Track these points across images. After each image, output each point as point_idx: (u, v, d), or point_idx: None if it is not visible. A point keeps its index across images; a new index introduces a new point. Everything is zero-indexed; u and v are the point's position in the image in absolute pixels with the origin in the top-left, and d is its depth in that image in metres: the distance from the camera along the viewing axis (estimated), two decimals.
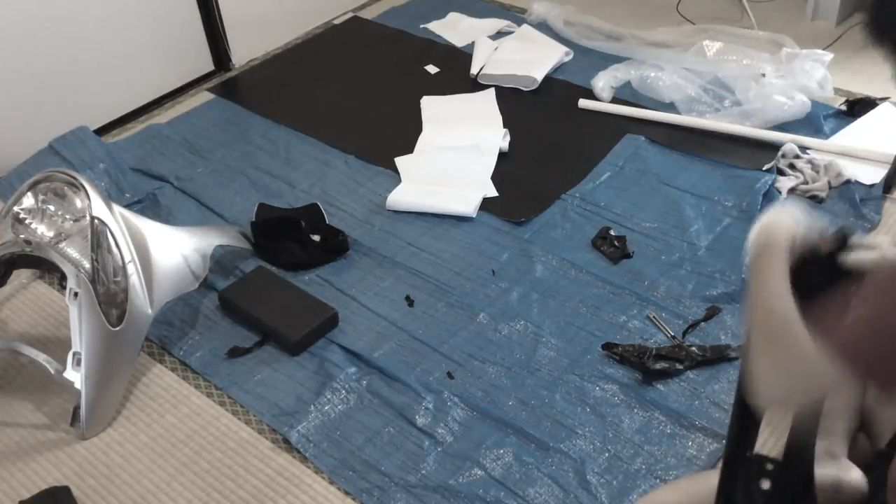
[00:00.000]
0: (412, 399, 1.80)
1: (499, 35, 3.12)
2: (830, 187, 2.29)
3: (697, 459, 1.65)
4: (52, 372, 1.73)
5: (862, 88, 2.65)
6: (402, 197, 2.34)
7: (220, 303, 2.04)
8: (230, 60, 3.00)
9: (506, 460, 1.67)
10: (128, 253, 1.84)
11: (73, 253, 1.78)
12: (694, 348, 1.84)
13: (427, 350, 1.91)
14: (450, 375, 1.85)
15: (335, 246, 2.17)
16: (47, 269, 2.03)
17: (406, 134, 2.60)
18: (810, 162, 2.36)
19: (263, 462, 1.70)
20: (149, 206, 2.35)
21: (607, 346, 1.87)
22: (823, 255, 1.10)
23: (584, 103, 2.70)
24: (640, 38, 2.98)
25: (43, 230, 1.82)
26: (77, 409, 1.74)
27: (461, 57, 2.98)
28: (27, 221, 1.83)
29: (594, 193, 2.33)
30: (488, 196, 2.34)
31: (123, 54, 2.70)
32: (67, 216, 1.83)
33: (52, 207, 1.84)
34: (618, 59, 2.88)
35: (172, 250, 1.96)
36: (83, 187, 1.84)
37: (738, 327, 1.90)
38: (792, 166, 2.36)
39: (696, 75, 2.73)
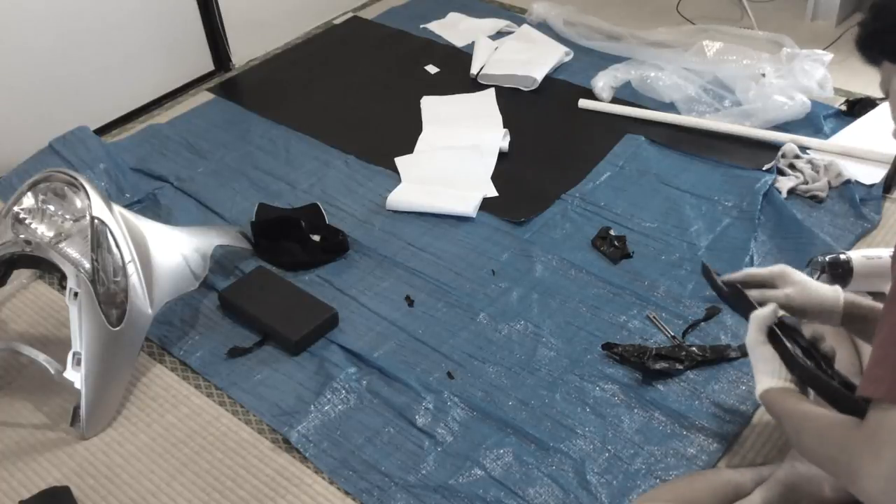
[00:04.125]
0: (412, 399, 1.80)
1: (499, 35, 3.12)
2: (830, 187, 2.29)
3: (697, 459, 1.65)
4: (52, 372, 1.73)
5: (862, 88, 2.65)
6: (402, 197, 2.34)
7: (220, 303, 2.04)
8: (230, 60, 3.00)
9: (506, 460, 1.67)
10: (128, 253, 1.84)
11: (73, 253, 1.78)
12: (694, 348, 1.84)
13: (427, 350, 1.91)
14: (450, 375, 1.85)
15: (335, 246, 2.17)
16: (47, 269, 2.03)
17: (406, 134, 2.60)
18: (810, 162, 2.36)
19: (263, 462, 1.70)
20: (149, 206, 2.35)
21: (607, 346, 1.87)
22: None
23: (584, 103, 2.70)
24: (640, 38, 2.99)
25: (43, 230, 1.82)
26: (77, 409, 1.74)
27: (461, 57, 2.98)
28: (27, 221, 1.83)
29: (594, 193, 2.33)
30: (488, 196, 2.34)
31: (123, 54, 2.70)
32: (67, 216, 1.83)
33: (52, 207, 1.84)
34: (618, 59, 2.88)
35: (172, 250, 1.96)
36: (83, 187, 1.83)
37: (740, 329, 1.89)
38: (792, 166, 2.36)
39: (696, 75, 2.73)
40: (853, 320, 1.40)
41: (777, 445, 1.66)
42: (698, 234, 2.17)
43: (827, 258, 1.59)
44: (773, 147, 2.42)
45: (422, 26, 3.20)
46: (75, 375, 1.72)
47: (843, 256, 1.60)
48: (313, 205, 2.29)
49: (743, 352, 1.80)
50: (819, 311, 1.41)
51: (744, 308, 1.42)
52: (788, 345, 1.30)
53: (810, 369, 1.27)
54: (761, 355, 1.33)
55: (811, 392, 1.29)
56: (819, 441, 1.12)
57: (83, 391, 1.73)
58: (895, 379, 0.97)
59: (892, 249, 1.40)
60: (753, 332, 1.35)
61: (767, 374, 1.31)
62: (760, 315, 1.36)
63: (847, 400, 1.20)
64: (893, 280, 1.03)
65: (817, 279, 1.55)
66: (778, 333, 1.33)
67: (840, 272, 1.58)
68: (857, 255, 1.61)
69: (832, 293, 1.41)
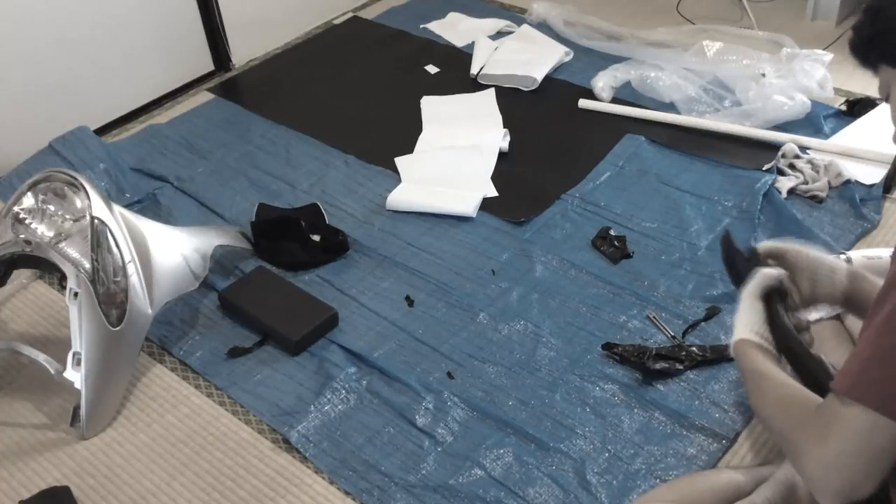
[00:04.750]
0: (412, 399, 1.80)
1: (499, 35, 3.12)
2: (830, 187, 2.29)
3: (697, 459, 1.65)
4: (52, 372, 1.73)
5: (862, 88, 2.65)
6: (402, 197, 2.34)
7: (220, 303, 2.04)
8: (230, 60, 3.00)
9: (506, 460, 1.67)
10: (128, 253, 1.84)
11: (73, 253, 1.78)
12: (694, 348, 1.84)
13: (427, 350, 1.91)
14: (450, 375, 1.85)
15: (335, 246, 2.17)
16: (47, 269, 2.03)
17: (406, 134, 2.60)
18: (810, 162, 2.36)
19: (263, 462, 1.70)
20: (149, 206, 2.35)
21: (607, 346, 1.87)
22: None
23: (584, 103, 2.70)
24: (640, 38, 2.98)
25: (43, 230, 1.82)
26: (77, 409, 1.74)
27: (461, 57, 2.98)
28: (27, 221, 1.83)
29: (594, 193, 2.33)
30: (488, 196, 2.34)
31: (123, 54, 2.70)
32: (67, 216, 1.83)
33: (52, 207, 1.84)
34: (618, 59, 2.88)
35: (172, 250, 1.96)
36: (83, 187, 1.83)
37: None
38: (792, 166, 2.36)
39: (696, 75, 2.73)
40: (854, 300, 1.38)
41: (777, 446, 1.65)
42: (698, 234, 2.17)
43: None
44: (773, 147, 2.42)
45: (422, 26, 3.20)
46: (75, 375, 1.72)
47: (843, 256, 1.60)
48: (313, 205, 2.29)
49: None
50: (826, 272, 1.38)
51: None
52: (780, 309, 1.30)
53: (791, 334, 1.27)
54: (751, 308, 1.32)
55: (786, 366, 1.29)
56: (777, 410, 1.13)
57: (83, 391, 1.73)
58: (861, 376, 0.99)
59: (892, 249, 1.40)
60: (754, 286, 1.33)
61: (748, 326, 1.30)
62: (769, 273, 1.34)
63: (815, 372, 1.22)
64: (888, 279, 1.04)
65: None
66: (773, 297, 1.32)
67: None
68: (857, 255, 1.61)
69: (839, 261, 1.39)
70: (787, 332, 1.29)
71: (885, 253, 1.64)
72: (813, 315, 1.54)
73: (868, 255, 1.63)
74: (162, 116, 2.78)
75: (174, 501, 1.64)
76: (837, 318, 1.54)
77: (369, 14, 3.33)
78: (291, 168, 2.50)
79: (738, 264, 1.43)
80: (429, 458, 1.68)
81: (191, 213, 2.33)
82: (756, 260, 1.40)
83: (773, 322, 1.30)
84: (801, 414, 1.07)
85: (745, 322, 1.31)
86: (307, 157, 2.54)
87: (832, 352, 1.49)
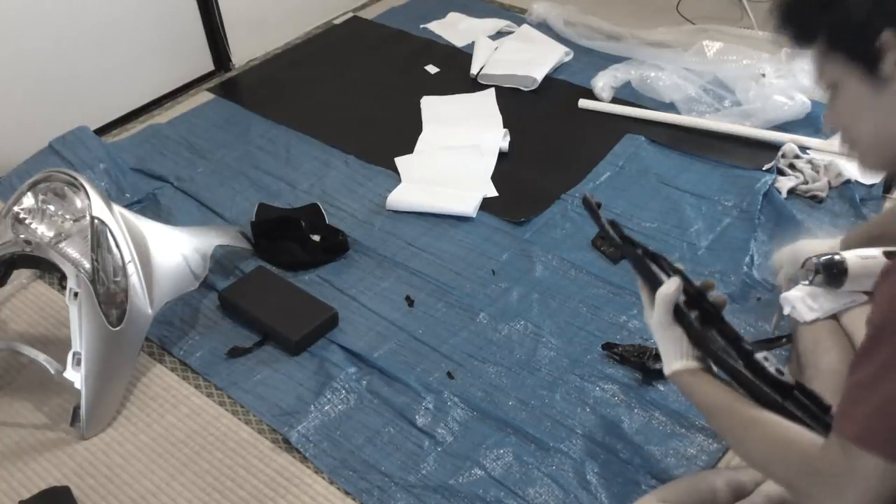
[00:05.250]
0: (412, 399, 1.80)
1: (499, 35, 3.12)
2: (830, 187, 2.29)
3: (697, 459, 1.65)
4: (52, 372, 1.73)
5: None
6: (402, 197, 2.34)
7: (220, 303, 2.05)
8: (230, 60, 3.01)
9: (506, 460, 1.67)
10: (128, 253, 1.84)
11: (73, 253, 1.78)
12: None
13: (427, 350, 1.91)
14: (450, 375, 1.85)
15: (335, 246, 2.17)
16: (47, 269, 2.03)
17: (406, 134, 2.60)
18: (810, 162, 2.36)
19: (263, 462, 1.70)
20: (149, 206, 2.35)
21: (607, 346, 1.87)
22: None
23: (584, 103, 2.70)
24: (640, 38, 2.99)
25: (43, 230, 1.82)
26: (77, 409, 1.74)
27: (461, 57, 2.98)
28: (27, 221, 1.83)
29: (594, 193, 2.33)
30: (488, 196, 2.34)
31: (123, 54, 2.70)
32: (67, 216, 1.83)
33: (52, 207, 1.84)
34: (618, 59, 2.88)
35: (172, 250, 1.96)
36: (83, 187, 1.84)
37: (741, 329, 1.89)
38: (792, 166, 2.36)
39: (696, 75, 2.73)
40: None
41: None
42: (698, 234, 2.17)
43: (822, 259, 1.59)
44: (773, 147, 2.42)
45: (422, 26, 3.20)
46: (75, 375, 1.72)
47: (837, 257, 1.60)
48: (313, 205, 2.30)
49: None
50: None
51: (644, 274, 1.33)
52: (695, 323, 1.25)
53: (718, 350, 1.24)
54: (670, 336, 1.27)
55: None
56: (772, 456, 1.09)
57: (83, 391, 1.73)
58: (867, 424, 0.95)
59: (888, 249, 1.40)
60: (661, 313, 1.27)
61: (677, 354, 1.26)
62: (668, 294, 1.26)
63: (750, 384, 1.19)
64: (872, 314, 0.97)
65: (812, 280, 1.55)
66: (683, 310, 1.26)
67: (835, 273, 1.58)
68: (851, 256, 1.61)
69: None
70: (713, 347, 1.24)
71: (879, 252, 1.63)
72: (810, 315, 1.54)
73: (863, 255, 1.62)
74: (162, 116, 2.78)
75: (174, 501, 1.64)
76: (834, 318, 1.54)
77: (369, 14, 3.33)
78: (291, 168, 2.50)
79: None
80: (429, 458, 1.68)
81: (191, 213, 2.33)
82: (638, 253, 1.34)
83: (698, 341, 1.25)
84: (803, 459, 1.04)
85: (672, 351, 1.27)
86: (307, 157, 2.54)
87: (828, 352, 1.49)
